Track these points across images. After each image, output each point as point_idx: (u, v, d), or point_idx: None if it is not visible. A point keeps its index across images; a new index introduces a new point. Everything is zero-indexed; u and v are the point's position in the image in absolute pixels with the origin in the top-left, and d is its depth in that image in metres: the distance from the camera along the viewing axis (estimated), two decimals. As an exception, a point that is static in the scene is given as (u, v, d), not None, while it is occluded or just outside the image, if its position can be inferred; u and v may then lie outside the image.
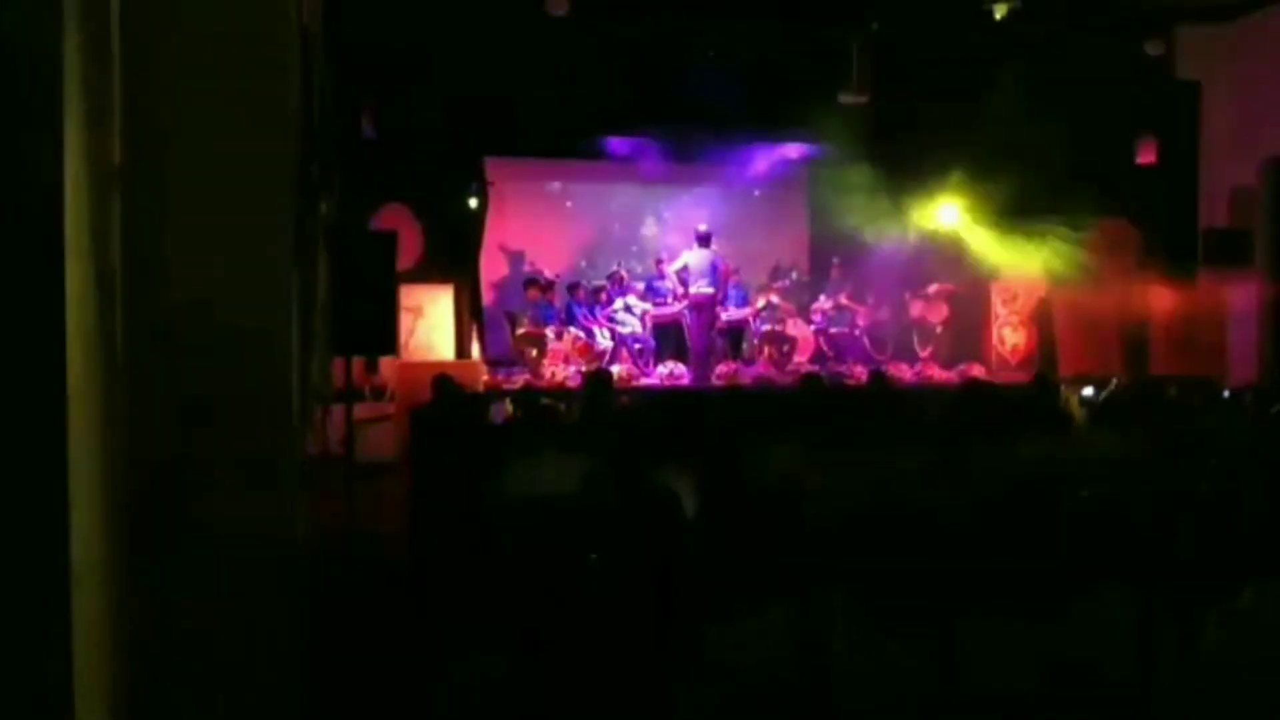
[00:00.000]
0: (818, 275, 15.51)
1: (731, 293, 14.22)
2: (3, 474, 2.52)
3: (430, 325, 12.72)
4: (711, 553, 3.65)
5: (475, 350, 13.10)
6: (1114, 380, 9.42)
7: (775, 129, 13.92)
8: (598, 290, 14.04)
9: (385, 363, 11.43)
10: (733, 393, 12.22)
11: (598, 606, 3.65)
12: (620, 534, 3.81)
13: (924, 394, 11.71)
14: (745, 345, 14.36)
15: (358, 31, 10.52)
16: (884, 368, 12.77)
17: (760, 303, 14.37)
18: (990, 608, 3.49)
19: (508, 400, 10.86)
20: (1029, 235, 13.46)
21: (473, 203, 13.29)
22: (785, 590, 3.41)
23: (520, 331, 13.40)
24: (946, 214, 14.11)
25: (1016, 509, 4.50)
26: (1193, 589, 3.59)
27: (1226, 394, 8.90)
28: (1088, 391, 9.77)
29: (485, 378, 12.28)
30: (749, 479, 4.28)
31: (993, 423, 6.58)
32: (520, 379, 12.58)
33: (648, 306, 13.96)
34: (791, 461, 5.21)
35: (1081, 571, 4.05)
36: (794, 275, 15.26)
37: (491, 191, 13.76)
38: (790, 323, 14.45)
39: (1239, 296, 13.50)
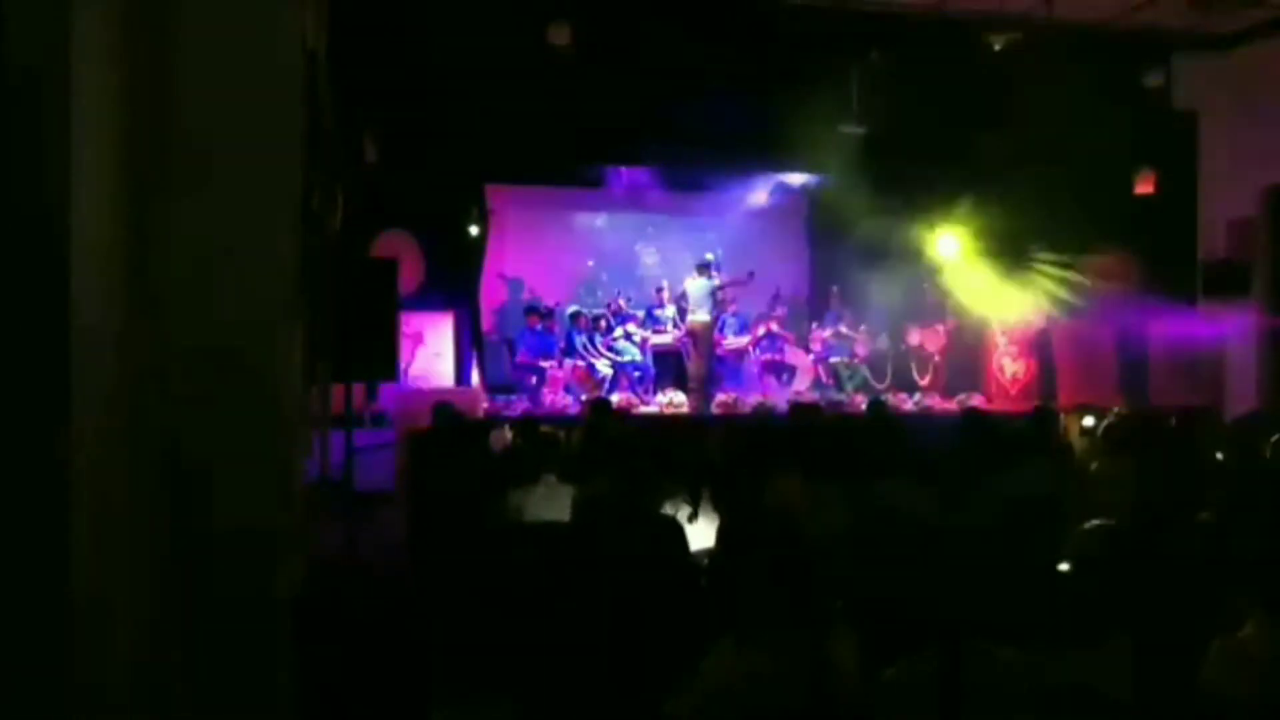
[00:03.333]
0: (817, 304, 15.53)
1: (731, 321, 14.25)
2: (4, 504, 2.52)
3: (430, 352, 12.73)
4: (717, 582, 3.64)
5: (475, 377, 13.10)
6: (1114, 410, 9.41)
7: (775, 158, 13.97)
8: (598, 318, 14.06)
9: (385, 389, 11.43)
10: (732, 421, 12.21)
11: (599, 634, 3.64)
12: (623, 562, 3.79)
13: (924, 424, 11.71)
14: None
15: (361, 57, 10.56)
16: (883, 397, 12.76)
17: (760, 331, 14.39)
18: (991, 639, 3.47)
19: (507, 427, 10.85)
20: (1028, 266, 13.51)
21: (473, 230, 13.32)
22: (785, 619, 3.39)
23: (519, 359, 13.41)
24: (946, 244, 14.15)
25: (1017, 540, 4.49)
26: (1193, 618, 3.58)
27: (1228, 424, 8.89)
28: (1088, 421, 9.77)
29: (485, 405, 12.28)
30: (750, 510, 4.27)
31: (993, 453, 6.58)
32: (520, 406, 12.57)
33: (647, 334, 13.97)
34: (790, 492, 5.21)
35: (1083, 602, 4.03)
36: (786, 305, 15.22)
37: (492, 219, 13.80)
38: (789, 351, 14.46)
39: (1237, 327, 13.52)
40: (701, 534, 4.85)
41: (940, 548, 4.40)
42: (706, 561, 4.17)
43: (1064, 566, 4.30)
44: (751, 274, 13.79)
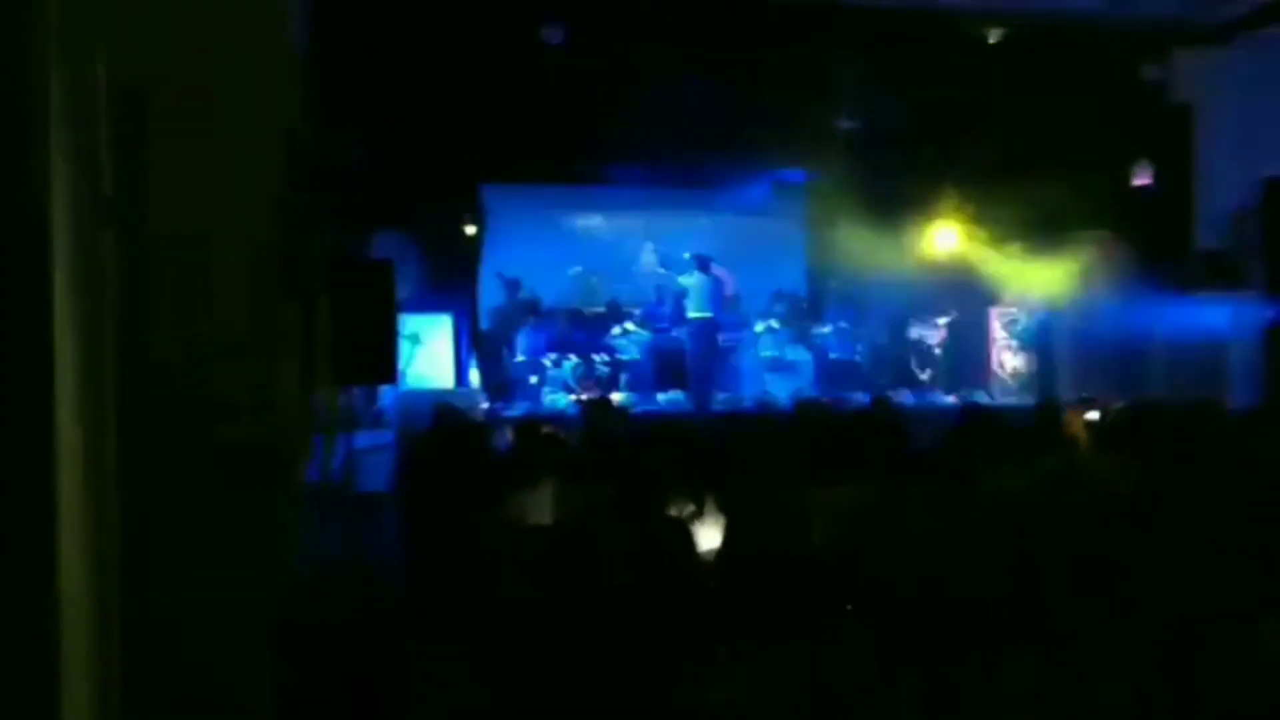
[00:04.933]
0: (816, 300, 15.49)
1: (730, 318, 14.20)
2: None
3: (429, 353, 12.69)
4: (726, 585, 3.61)
5: (474, 378, 13.06)
6: (1116, 403, 9.36)
7: (771, 155, 13.94)
8: (596, 317, 14.00)
9: (385, 391, 11.39)
10: (734, 419, 12.16)
11: (604, 638, 3.60)
12: (630, 565, 3.76)
13: (925, 419, 11.67)
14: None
15: (354, 56, 10.52)
16: (885, 393, 12.71)
17: (759, 327, 14.34)
18: (993, 639, 3.44)
19: (508, 428, 10.80)
20: (1027, 258, 13.48)
21: (470, 230, 13.28)
22: (792, 623, 3.36)
23: (518, 359, 13.36)
24: (944, 237, 14.13)
25: (1020, 537, 4.45)
26: (1203, 621, 3.55)
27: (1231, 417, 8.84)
28: (1091, 415, 9.72)
29: (485, 406, 12.23)
30: (756, 510, 4.23)
31: (996, 449, 6.53)
32: (520, 407, 12.52)
33: (647, 333, 13.92)
34: (796, 490, 5.16)
35: (1087, 600, 4.00)
36: (786, 301, 15.15)
37: (489, 218, 13.76)
38: (789, 348, 14.41)
39: (1236, 319, 13.48)
40: (707, 534, 4.81)
41: (944, 546, 4.37)
42: (712, 562, 4.13)
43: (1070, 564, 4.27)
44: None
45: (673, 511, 5.02)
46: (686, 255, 13.48)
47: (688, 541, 4.07)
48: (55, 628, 2.57)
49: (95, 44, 2.80)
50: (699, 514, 5.62)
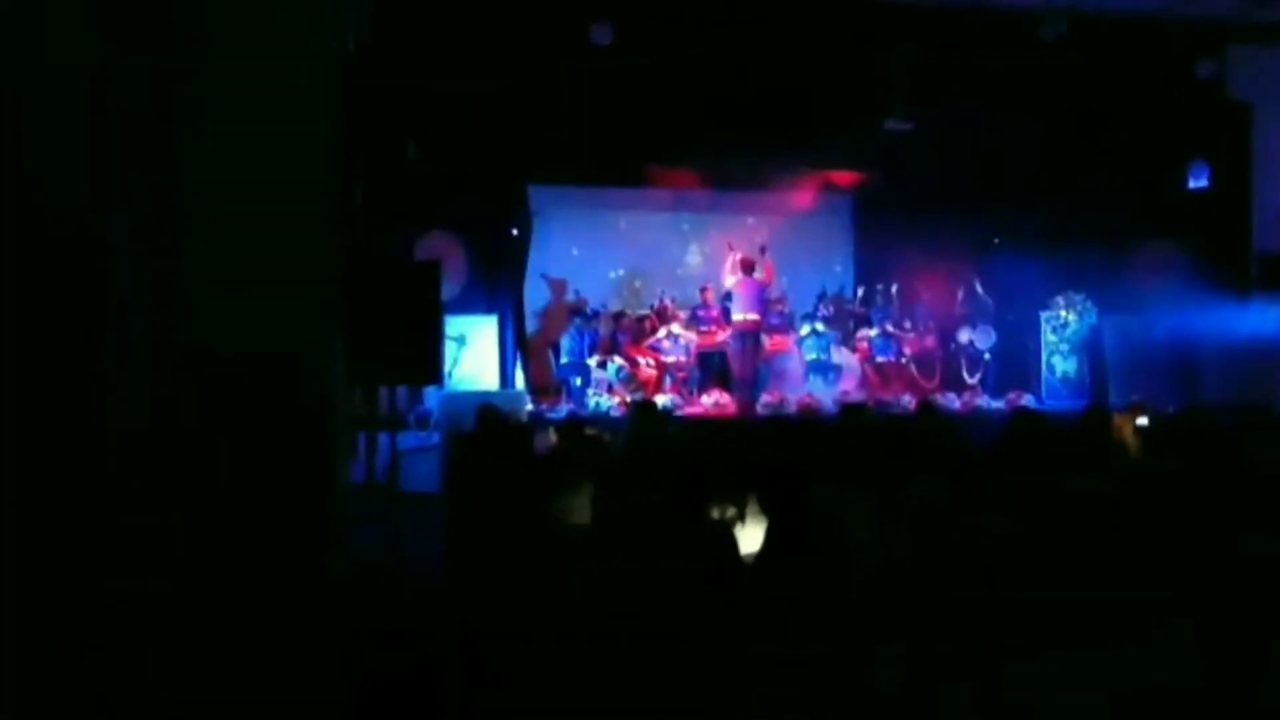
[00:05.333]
0: (863, 303, 15.39)
1: (776, 320, 14.13)
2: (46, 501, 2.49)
3: (474, 354, 12.71)
4: (772, 592, 3.57)
5: (519, 379, 13.08)
6: (1169, 409, 9.23)
7: (821, 155, 13.88)
8: (642, 319, 13.98)
9: (429, 391, 11.43)
10: (779, 422, 12.10)
11: (652, 645, 3.57)
12: (678, 571, 3.73)
13: (974, 424, 11.54)
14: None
15: (404, 56, 10.57)
16: (932, 396, 12.61)
17: (805, 330, 14.26)
18: (1049, 643, 3.38)
19: (552, 430, 10.80)
20: (1079, 260, 13.30)
21: (516, 231, 13.30)
22: (837, 631, 3.32)
23: (565, 360, 13.37)
24: (993, 239, 14.01)
25: (1072, 541, 4.38)
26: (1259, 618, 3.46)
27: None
28: (1142, 421, 9.58)
29: (529, 407, 12.24)
30: (797, 514, 4.18)
31: (1046, 454, 6.44)
32: (564, 408, 12.52)
33: (692, 335, 13.88)
34: (840, 495, 5.11)
35: (1143, 602, 3.92)
36: (832, 304, 15.02)
37: (535, 219, 13.78)
38: (835, 350, 14.32)
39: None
40: (750, 538, 4.77)
41: (995, 551, 4.30)
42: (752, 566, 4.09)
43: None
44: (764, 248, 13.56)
45: (715, 514, 4.99)
46: (750, 255, 13.34)
47: (730, 544, 4.03)
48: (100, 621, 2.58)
49: (151, 40, 2.81)
50: (741, 517, 5.58)
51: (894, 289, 14.71)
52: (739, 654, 3.57)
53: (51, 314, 2.43)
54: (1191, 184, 12.69)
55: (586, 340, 13.42)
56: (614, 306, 14.44)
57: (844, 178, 14.91)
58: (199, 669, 3.40)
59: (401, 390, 9.34)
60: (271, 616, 3.66)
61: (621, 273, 15.44)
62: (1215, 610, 3.69)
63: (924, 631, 3.27)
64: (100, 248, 2.54)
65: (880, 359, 14.38)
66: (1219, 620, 3.63)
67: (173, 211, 2.84)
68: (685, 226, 15.73)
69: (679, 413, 12.17)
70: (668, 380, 13.48)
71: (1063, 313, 14.27)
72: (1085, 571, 4.08)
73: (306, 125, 3.12)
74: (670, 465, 5.68)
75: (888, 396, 13.55)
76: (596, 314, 13.93)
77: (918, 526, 4.49)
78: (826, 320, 14.46)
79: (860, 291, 15.34)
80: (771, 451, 6.38)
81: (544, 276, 14.70)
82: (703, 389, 13.45)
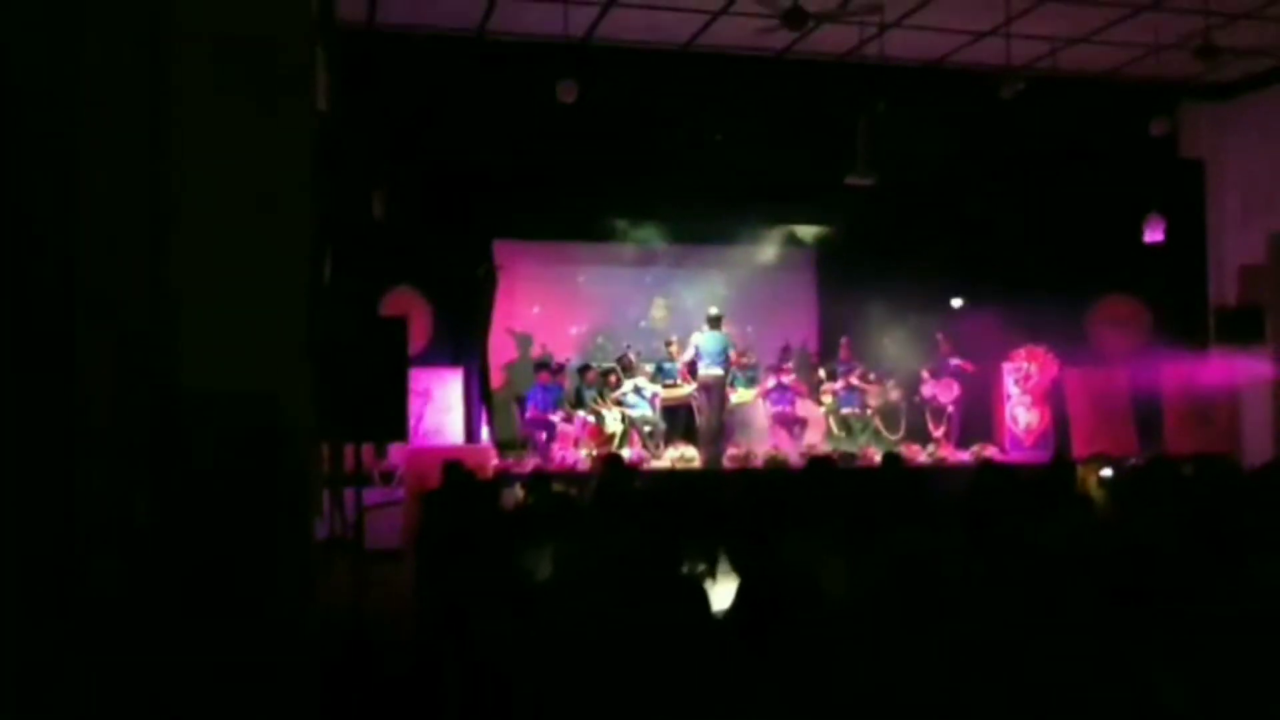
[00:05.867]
0: (827, 355, 15.47)
1: (740, 375, 14.18)
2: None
3: (439, 409, 12.66)
4: (742, 646, 3.55)
5: (485, 434, 13.03)
6: (1131, 460, 9.32)
7: (783, 210, 14.02)
8: (607, 373, 13.99)
9: (394, 447, 11.36)
10: (747, 475, 12.11)
11: (618, 701, 3.54)
12: (646, 623, 3.70)
13: (940, 476, 11.59)
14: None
15: (369, 114, 10.61)
16: (897, 449, 12.65)
17: (770, 383, 14.31)
18: (1026, 698, 3.37)
19: (519, 485, 10.75)
20: (1039, 312, 13.44)
21: (482, 286, 13.30)
22: (809, 683, 3.31)
23: (529, 415, 13.33)
24: (956, 292, 14.16)
25: (1044, 594, 4.39)
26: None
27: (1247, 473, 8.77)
28: (1105, 472, 9.66)
29: (495, 462, 12.19)
30: (768, 568, 4.17)
31: (1013, 505, 6.47)
32: (530, 463, 12.47)
33: (657, 389, 13.89)
34: (809, 548, 5.11)
35: (1118, 653, 3.93)
36: (796, 357, 15.11)
37: (501, 274, 13.79)
38: (800, 403, 14.37)
39: (1251, 373, 13.45)
40: (720, 594, 4.75)
41: (967, 603, 4.30)
42: (724, 622, 4.07)
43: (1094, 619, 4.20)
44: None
45: (685, 569, 4.97)
46: (714, 311, 13.42)
47: (701, 600, 4.01)
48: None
49: (130, 91, 2.81)
50: (711, 573, 5.56)
51: (858, 342, 14.79)
52: (712, 710, 3.54)
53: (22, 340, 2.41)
54: (1148, 238, 12.87)
55: (552, 395, 13.40)
56: (579, 360, 14.44)
57: (807, 232, 15.08)
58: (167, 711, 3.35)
59: (366, 445, 9.25)
60: (243, 674, 3.61)
61: (585, 327, 15.46)
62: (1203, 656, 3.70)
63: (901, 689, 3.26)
64: (69, 270, 2.54)
65: (845, 411, 14.44)
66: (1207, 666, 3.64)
67: (156, 249, 2.84)
68: (649, 280, 15.79)
69: (644, 467, 12.15)
70: (633, 434, 13.46)
71: (1025, 364, 14.40)
72: (1064, 625, 4.09)
73: (283, 184, 3.13)
74: (639, 519, 5.68)
75: (851, 449, 13.61)
76: (562, 368, 13.93)
77: (890, 581, 4.49)
78: (791, 373, 14.53)
79: (823, 345, 15.43)
80: (740, 506, 6.38)
81: (510, 331, 14.70)
82: (668, 442, 13.44)
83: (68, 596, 2.53)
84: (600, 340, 15.36)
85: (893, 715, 3.26)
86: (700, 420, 13.47)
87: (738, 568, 4.45)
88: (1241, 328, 13.59)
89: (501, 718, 4.59)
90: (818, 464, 8.54)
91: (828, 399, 14.55)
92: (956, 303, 14.26)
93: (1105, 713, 3.24)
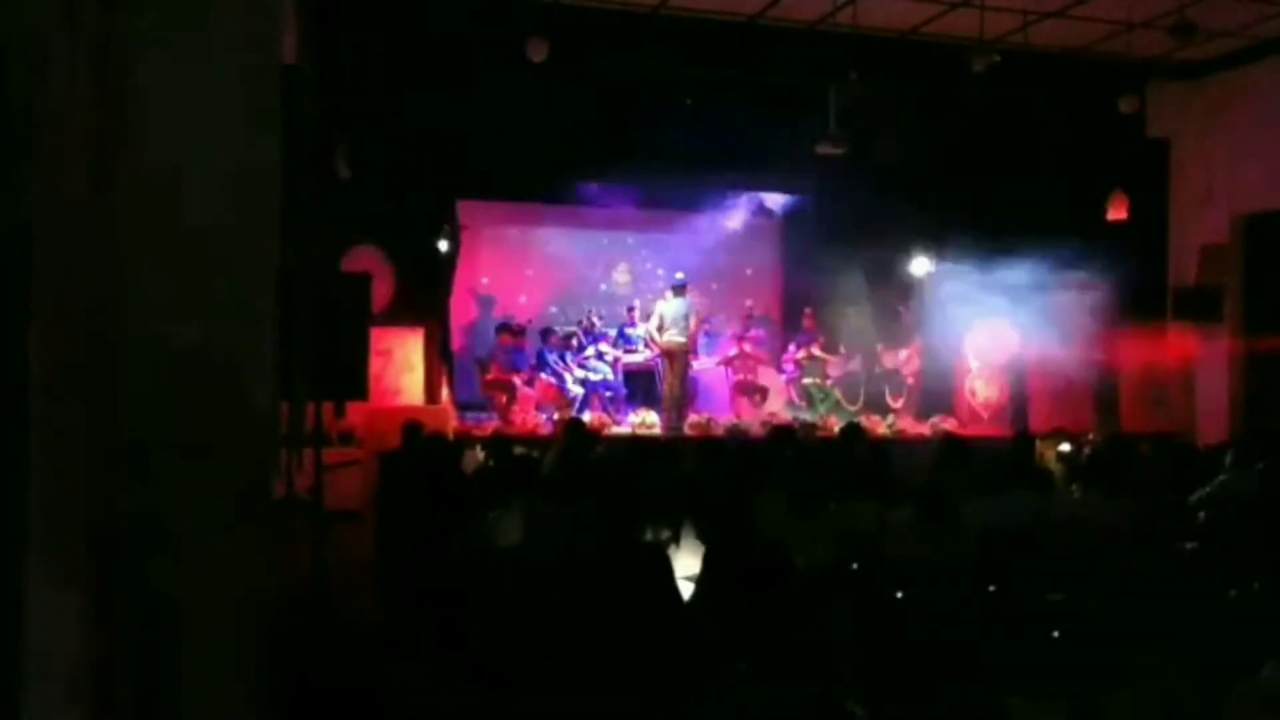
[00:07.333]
0: (790, 325, 15.48)
1: (703, 341, 14.17)
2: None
3: (400, 369, 12.55)
4: (711, 613, 3.54)
5: (445, 394, 12.94)
6: (1090, 436, 9.39)
7: (751, 177, 13.95)
8: (569, 336, 13.93)
9: (353, 407, 11.23)
10: (710, 443, 12.12)
11: (584, 665, 3.52)
12: (610, 589, 3.68)
13: (899, 447, 11.63)
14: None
15: (333, 72, 10.43)
16: (857, 419, 12.69)
17: (732, 351, 14.31)
18: (991, 677, 3.38)
19: (479, 447, 10.69)
20: (1001, 287, 13.48)
21: (444, 245, 13.17)
22: (780, 649, 3.30)
23: (490, 377, 13.26)
24: (920, 265, 14.18)
25: (1005, 568, 4.41)
26: (1210, 659, 3.50)
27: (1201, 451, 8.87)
28: (1064, 447, 9.74)
29: (455, 423, 12.11)
30: (738, 537, 4.17)
31: (974, 479, 6.51)
32: (490, 425, 12.41)
33: (619, 353, 13.86)
34: (775, 516, 5.10)
35: (1082, 636, 3.95)
36: (759, 325, 15.12)
37: (464, 234, 13.67)
38: (761, 371, 14.38)
39: (1208, 352, 13.58)
40: (684, 561, 4.74)
41: (928, 577, 4.31)
42: (693, 590, 4.06)
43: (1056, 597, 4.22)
44: None
45: (649, 537, 4.96)
46: (680, 276, 13.39)
47: (666, 568, 3.99)
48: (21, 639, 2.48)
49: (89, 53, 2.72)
50: (675, 540, 5.56)
51: (821, 312, 14.80)
52: (677, 677, 3.53)
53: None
54: (1111, 216, 12.90)
55: (514, 357, 13.33)
56: (541, 323, 14.37)
57: (774, 200, 15.03)
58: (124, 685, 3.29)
59: (326, 404, 9.12)
60: (202, 638, 3.55)
61: (549, 289, 15.38)
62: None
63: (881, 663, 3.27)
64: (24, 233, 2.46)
65: (806, 380, 14.47)
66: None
67: (111, 211, 2.75)
68: (614, 244, 15.72)
69: (606, 432, 12.13)
70: (594, 399, 13.43)
71: (985, 338, 14.46)
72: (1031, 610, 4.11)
73: (251, 137, 3.04)
74: (602, 484, 5.65)
75: (812, 419, 13.64)
76: (524, 330, 13.86)
77: (852, 552, 4.50)
78: (754, 342, 14.53)
79: (786, 314, 15.44)
80: (706, 475, 6.37)
81: (472, 292, 14.60)
82: (629, 408, 13.43)
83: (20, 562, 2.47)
84: (565, 303, 15.30)
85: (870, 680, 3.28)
86: (663, 387, 13.45)
87: (705, 537, 4.44)
88: (1200, 307, 13.70)
89: (465, 681, 4.56)
90: (780, 433, 8.55)
91: (788, 367, 14.58)
92: (920, 273, 14.26)
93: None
